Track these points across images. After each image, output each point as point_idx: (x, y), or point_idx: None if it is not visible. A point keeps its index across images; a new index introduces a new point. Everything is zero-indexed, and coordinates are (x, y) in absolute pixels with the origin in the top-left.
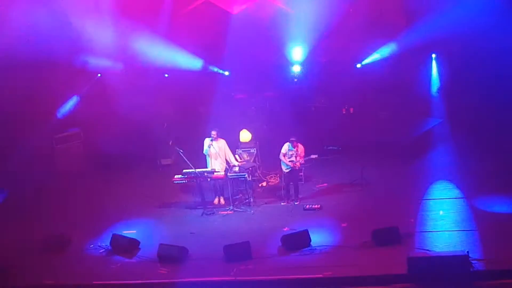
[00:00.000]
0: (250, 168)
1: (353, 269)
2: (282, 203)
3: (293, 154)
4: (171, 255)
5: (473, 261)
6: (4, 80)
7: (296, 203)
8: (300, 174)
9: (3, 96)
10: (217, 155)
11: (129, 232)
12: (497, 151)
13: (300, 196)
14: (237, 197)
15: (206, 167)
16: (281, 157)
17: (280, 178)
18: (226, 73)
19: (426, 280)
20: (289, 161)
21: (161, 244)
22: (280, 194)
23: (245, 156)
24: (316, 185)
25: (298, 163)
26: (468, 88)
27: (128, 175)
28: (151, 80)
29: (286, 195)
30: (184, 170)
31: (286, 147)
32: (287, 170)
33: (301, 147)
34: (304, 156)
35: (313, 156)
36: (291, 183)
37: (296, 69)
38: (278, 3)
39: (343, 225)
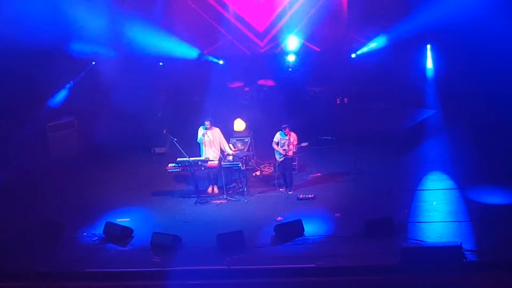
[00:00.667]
0: (244, 157)
1: (346, 259)
2: (280, 189)
3: (285, 142)
4: (164, 244)
5: (466, 252)
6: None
7: (290, 192)
8: (294, 163)
9: None
10: (211, 143)
11: (123, 220)
12: (491, 143)
13: (293, 185)
14: (231, 186)
15: (200, 156)
16: (274, 145)
17: (274, 168)
18: (221, 62)
19: (419, 270)
20: (282, 150)
21: (154, 233)
22: (274, 183)
23: (239, 145)
24: (310, 175)
25: (291, 152)
26: (463, 79)
27: (122, 164)
28: (145, 69)
29: (283, 183)
30: (178, 159)
31: (278, 135)
32: (281, 159)
33: (293, 135)
34: (297, 144)
35: (303, 144)
36: (286, 171)
37: (291, 58)
38: None
39: (337, 215)
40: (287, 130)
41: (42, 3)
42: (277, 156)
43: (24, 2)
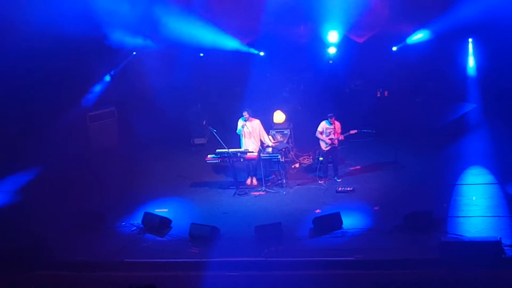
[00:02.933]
0: (283, 149)
1: (384, 252)
2: (320, 182)
3: (331, 131)
4: (202, 235)
5: (505, 247)
6: (43, 57)
7: (338, 180)
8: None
9: (42, 73)
10: (251, 135)
11: (161, 211)
12: None
13: (338, 173)
14: (270, 178)
15: (240, 147)
16: (318, 135)
17: (313, 159)
18: (262, 53)
19: (457, 265)
20: (329, 139)
21: (192, 223)
22: (313, 176)
23: (278, 137)
24: (349, 168)
25: (336, 140)
26: (505, 73)
27: (161, 154)
28: (186, 60)
29: (324, 174)
30: (217, 150)
31: (323, 124)
32: (327, 148)
33: (337, 124)
34: (341, 133)
35: (352, 132)
36: (330, 161)
37: (332, 50)
38: None
39: (375, 208)
40: (333, 119)
41: None
42: (322, 145)
43: None
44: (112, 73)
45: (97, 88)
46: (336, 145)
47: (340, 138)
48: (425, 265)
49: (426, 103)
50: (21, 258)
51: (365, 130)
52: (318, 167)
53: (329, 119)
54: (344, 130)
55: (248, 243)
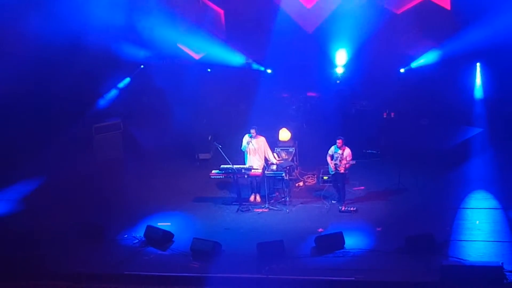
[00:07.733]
0: (288, 167)
1: (385, 274)
2: (332, 201)
3: (338, 156)
4: (204, 250)
5: (507, 273)
6: (50, 69)
7: (333, 201)
8: None
9: (48, 84)
10: (256, 152)
11: (164, 225)
12: None
13: (345, 200)
14: (273, 195)
15: (244, 164)
16: (327, 158)
17: (317, 179)
18: (269, 71)
19: None
20: (333, 164)
21: (194, 238)
22: (320, 194)
23: (283, 155)
24: (353, 188)
25: (342, 168)
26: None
27: (165, 168)
28: (193, 74)
29: (338, 198)
30: (221, 166)
31: (332, 148)
32: (332, 173)
33: (347, 150)
34: (350, 160)
35: (352, 162)
36: (338, 185)
37: (339, 71)
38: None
39: (378, 229)
40: (340, 143)
41: (94, 7)
42: (329, 169)
43: (80, 7)
44: (120, 85)
45: (105, 99)
46: (341, 171)
47: (345, 166)
48: None
49: (432, 126)
50: (20, 268)
51: (370, 151)
52: (326, 187)
53: (336, 143)
54: (354, 156)
55: (250, 259)
